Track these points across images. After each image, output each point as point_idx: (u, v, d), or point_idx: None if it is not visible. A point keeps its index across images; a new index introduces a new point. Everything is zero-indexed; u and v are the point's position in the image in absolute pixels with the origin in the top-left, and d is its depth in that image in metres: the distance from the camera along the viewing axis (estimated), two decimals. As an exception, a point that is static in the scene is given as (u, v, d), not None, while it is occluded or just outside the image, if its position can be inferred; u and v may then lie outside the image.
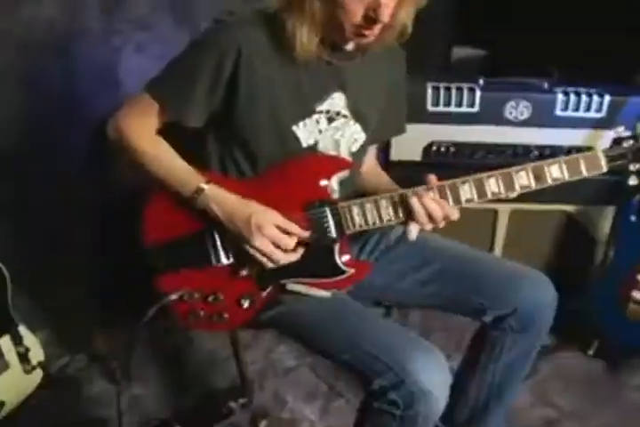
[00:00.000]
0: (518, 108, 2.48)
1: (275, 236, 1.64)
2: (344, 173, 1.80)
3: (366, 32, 1.60)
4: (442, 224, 1.68)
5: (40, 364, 2.17)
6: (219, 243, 1.73)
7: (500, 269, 1.85)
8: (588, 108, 2.48)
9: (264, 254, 1.65)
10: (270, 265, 1.67)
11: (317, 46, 1.63)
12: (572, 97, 2.47)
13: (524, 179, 1.69)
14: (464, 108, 2.49)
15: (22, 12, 2.26)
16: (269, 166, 1.74)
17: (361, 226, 1.72)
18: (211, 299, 1.74)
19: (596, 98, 2.47)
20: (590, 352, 2.57)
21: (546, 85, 2.53)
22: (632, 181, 1.75)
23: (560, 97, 2.48)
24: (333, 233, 1.71)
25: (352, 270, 1.73)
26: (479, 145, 2.53)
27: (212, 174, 1.75)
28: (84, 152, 2.37)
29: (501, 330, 1.84)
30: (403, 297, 1.92)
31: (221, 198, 1.67)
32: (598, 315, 2.51)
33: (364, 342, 1.61)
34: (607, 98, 2.47)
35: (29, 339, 2.16)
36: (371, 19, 1.56)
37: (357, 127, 1.80)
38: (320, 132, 1.74)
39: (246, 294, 1.74)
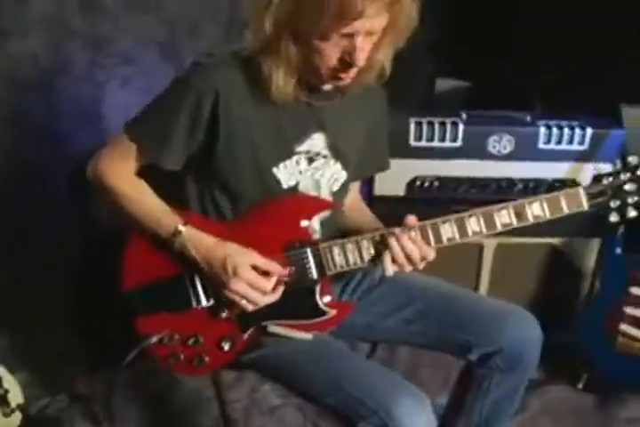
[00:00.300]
0: (501, 142, 2.48)
1: (250, 278, 1.62)
2: (325, 214, 1.79)
3: (342, 75, 1.59)
4: (421, 266, 1.67)
5: (19, 406, 2.13)
6: (199, 285, 1.71)
7: (484, 307, 1.84)
8: (570, 141, 2.49)
9: (242, 297, 1.63)
10: (250, 308, 1.65)
11: (294, 88, 1.62)
12: (555, 130, 2.48)
13: (505, 217, 1.69)
14: (447, 143, 2.49)
15: (8, 46, 2.27)
16: (250, 207, 1.72)
17: (342, 267, 1.70)
18: (191, 342, 1.72)
19: (578, 131, 2.48)
20: (579, 386, 2.55)
21: (528, 119, 2.55)
22: (613, 218, 1.74)
23: (542, 130, 2.49)
24: (314, 274, 1.69)
25: (334, 311, 1.72)
26: (463, 179, 2.53)
27: (191, 215, 1.73)
28: (66, 188, 2.35)
29: (488, 368, 1.81)
30: (387, 336, 1.91)
31: (198, 240, 1.65)
32: (586, 348, 2.50)
33: (348, 384, 1.59)
34: (589, 130, 2.48)
35: (8, 380, 2.12)
36: (346, 62, 1.55)
37: (338, 166, 1.79)
38: (300, 172, 1.74)
39: (227, 336, 1.72)
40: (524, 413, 2.43)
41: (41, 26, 2.34)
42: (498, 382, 1.82)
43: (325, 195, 1.79)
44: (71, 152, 2.34)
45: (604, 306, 2.43)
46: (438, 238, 1.68)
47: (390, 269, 1.65)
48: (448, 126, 2.47)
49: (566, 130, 2.48)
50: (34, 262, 2.43)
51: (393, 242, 1.63)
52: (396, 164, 2.44)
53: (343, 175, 1.81)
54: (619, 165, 1.72)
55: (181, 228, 1.65)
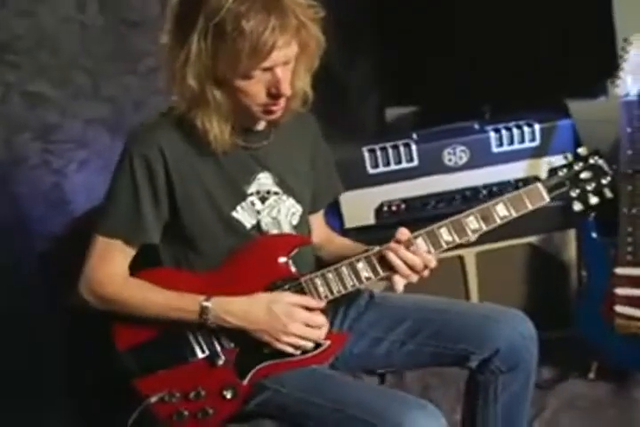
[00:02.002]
0: (456, 154, 2.53)
1: (304, 317, 1.67)
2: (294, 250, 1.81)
3: (274, 108, 1.65)
4: (426, 273, 1.71)
5: None
6: (191, 338, 1.73)
7: (472, 312, 1.86)
8: (522, 140, 2.53)
9: (302, 337, 1.67)
10: (310, 345, 1.69)
11: (231, 135, 1.67)
12: (504, 132, 2.53)
13: (473, 223, 1.74)
14: (404, 164, 2.53)
15: None
16: (223, 259, 1.75)
17: (327, 296, 1.73)
18: (192, 396, 1.72)
19: (526, 128, 2.53)
20: (591, 375, 2.54)
21: (476, 126, 2.59)
22: (577, 207, 1.80)
23: (492, 134, 2.53)
24: (299, 309, 1.72)
25: (328, 342, 1.73)
26: (428, 196, 2.57)
27: (163, 271, 1.78)
28: (39, 279, 2.34)
29: (490, 373, 1.83)
30: (386, 361, 1.91)
31: (228, 306, 1.67)
32: (589, 337, 2.50)
33: (358, 411, 1.59)
34: (537, 126, 2.53)
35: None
36: (274, 95, 1.61)
37: (291, 201, 1.83)
38: (258, 212, 1.77)
39: (227, 384, 1.72)
40: (543, 413, 2.43)
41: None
42: (503, 384, 1.84)
43: (287, 230, 1.82)
44: (40, 241, 2.34)
45: (596, 292, 2.45)
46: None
47: (400, 285, 1.69)
48: (401, 148, 2.51)
49: (515, 130, 2.53)
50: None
51: (393, 257, 1.68)
52: (359, 194, 2.52)
53: (299, 208, 1.85)
54: (570, 156, 1.79)
55: (206, 304, 1.66)
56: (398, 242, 1.70)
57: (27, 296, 2.31)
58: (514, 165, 2.55)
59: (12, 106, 2.47)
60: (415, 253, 1.68)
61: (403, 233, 1.71)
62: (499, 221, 1.74)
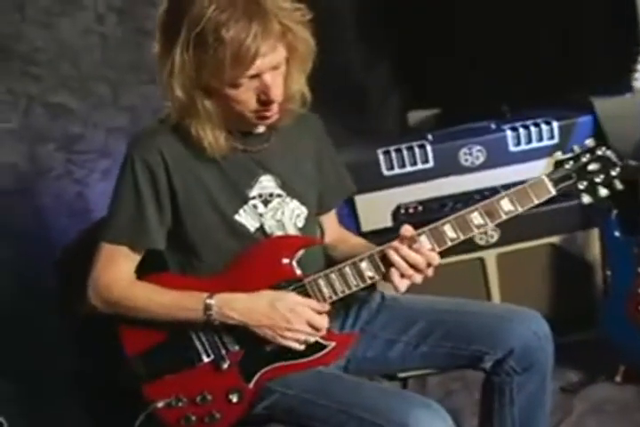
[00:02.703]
0: (472, 154, 2.49)
1: (308, 315, 1.66)
2: (300, 252, 1.79)
3: (267, 113, 1.63)
4: (430, 272, 1.67)
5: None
6: (196, 342, 1.73)
7: (485, 312, 1.83)
8: (540, 138, 2.49)
9: (305, 334, 1.66)
10: (312, 340, 1.67)
11: (227, 140, 1.66)
12: (522, 130, 2.48)
13: (478, 219, 1.70)
14: (420, 166, 2.50)
15: None
16: (229, 263, 1.74)
17: (331, 297, 1.71)
18: (199, 400, 1.72)
19: (544, 126, 2.48)
20: (618, 379, 2.47)
21: (493, 126, 2.55)
22: (585, 199, 1.75)
23: (509, 133, 2.49)
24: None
25: (333, 344, 1.71)
26: (445, 198, 2.53)
27: (166, 275, 1.77)
28: (59, 290, 2.36)
29: (505, 374, 1.79)
30: (400, 364, 1.88)
31: (232, 303, 1.67)
32: (614, 338, 2.43)
33: (363, 412, 1.57)
34: (555, 124, 2.48)
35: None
36: (265, 101, 1.59)
37: (296, 202, 1.81)
38: (261, 215, 1.76)
39: (233, 388, 1.71)
40: (570, 417, 2.37)
41: (13, 137, 2.42)
42: (519, 386, 1.80)
43: (292, 233, 1.80)
44: (61, 251, 2.36)
45: (621, 292, 2.38)
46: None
47: (401, 285, 1.66)
48: (416, 150, 2.48)
49: (532, 128, 2.48)
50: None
51: (394, 256, 1.65)
52: (375, 196, 2.50)
53: (304, 210, 1.82)
54: (577, 149, 1.74)
55: (210, 301, 1.66)
56: (402, 240, 1.67)
57: (45, 304, 2.33)
58: (532, 164, 2.50)
59: (35, 118, 2.53)
60: (418, 251, 1.65)
61: (407, 230, 1.68)
62: (504, 217, 1.70)
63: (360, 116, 3.26)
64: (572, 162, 1.72)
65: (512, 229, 2.48)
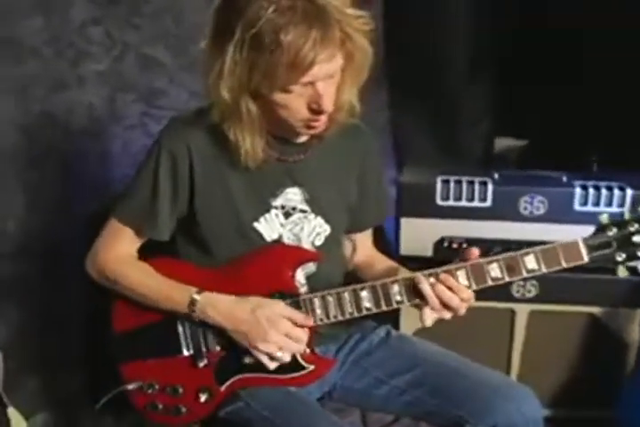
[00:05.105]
0: (533, 203, 2.38)
1: (287, 328, 1.60)
2: (311, 267, 1.74)
3: (315, 124, 1.57)
4: (463, 311, 1.59)
5: (25, 448, 2.13)
6: (181, 334, 1.70)
7: (481, 380, 1.71)
8: (609, 203, 2.36)
9: (280, 348, 1.60)
10: (287, 358, 1.62)
11: (264, 149, 1.61)
12: (592, 191, 2.36)
13: (495, 271, 1.59)
14: (475, 203, 2.41)
15: (65, 96, 2.36)
16: (233, 259, 1.71)
17: (322, 320, 1.65)
18: (169, 390, 1.70)
19: (617, 192, 2.35)
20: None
21: (564, 179, 2.43)
22: (621, 273, 1.61)
23: (578, 191, 2.37)
24: (292, 326, 1.65)
25: (311, 367, 1.66)
26: (494, 241, 2.42)
27: (162, 260, 1.74)
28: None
29: None
30: (380, 405, 1.82)
31: (216, 303, 1.63)
32: (634, 422, 2.28)
33: None
34: (630, 191, 2.35)
35: (19, 423, 2.11)
36: (315, 110, 1.53)
37: (319, 220, 1.75)
38: (282, 225, 1.71)
39: (204, 387, 1.68)
40: None
41: (98, 79, 2.45)
42: None
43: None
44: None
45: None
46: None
47: (429, 320, 1.59)
48: (477, 186, 2.40)
49: (604, 191, 2.36)
50: (59, 303, 2.46)
51: (428, 290, 1.57)
52: (422, 223, 2.42)
53: (327, 229, 1.76)
54: (627, 214, 1.60)
55: (196, 296, 1.63)
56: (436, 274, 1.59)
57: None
58: (593, 229, 2.36)
59: (125, 65, 2.55)
60: (452, 288, 1.57)
61: (474, 253, 1.59)
62: (524, 274, 1.58)
63: (450, 131, 3.16)
64: (615, 229, 1.58)
65: (553, 289, 2.38)
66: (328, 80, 1.51)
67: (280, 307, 1.62)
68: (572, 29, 2.98)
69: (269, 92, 1.50)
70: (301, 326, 1.62)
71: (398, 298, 1.62)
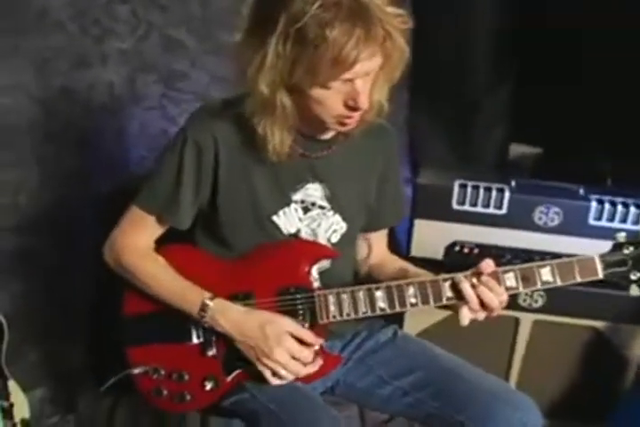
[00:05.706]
0: (549, 214, 2.38)
1: (293, 348, 1.60)
2: (324, 264, 1.74)
3: (348, 120, 1.57)
4: (497, 313, 1.61)
5: (23, 421, 2.12)
6: (192, 322, 1.69)
7: (484, 386, 1.71)
8: (623, 220, 2.36)
9: (283, 367, 1.60)
10: (290, 378, 1.62)
11: (290, 145, 1.61)
12: (607, 206, 2.36)
13: (511, 280, 1.60)
14: (491, 210, 2.41)
15: (87, 74, 2.36)
16: (250, 251, 1.71)
17: (335, 317, 1.65)
18: (175, 377, 1.70)
19: (633, 209, 2.35)
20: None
21: (581, 191, 2.43)
22: (634, 292, 1.61)
23: (594, 205, 2.37)
24: (305, 322, 1.65)
25: (320, 362, 1.65)
26: (505, 249, 2.42)
27: (187, 248, 1.76)
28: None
29: None
30: (381, 405, 1.82)
31: (227, 311, 1.64)
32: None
33: None
34: (645, 209, 2.34)
35: (17, 395, 2.12)
36: (351, 107, 1.52)
37: (337, 218, 1.75)
38: (300, 220, 1.72)
39: (211, 375, 1.68)
40: None
41: (121, 58, 2.44)
42: None
43: None
44: (135, 180, 2.39)
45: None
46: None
47: (466, 319, 1.60)
48: (494, 193, 2.40)
49: (620, 207, 2.35)
50: (64, 279, 2.46)
51: (468, 290, 1.58)
52: (436, 226, 2.41)
53: (343, 227, 1.77)
54: None
55: (208, 302, 1.64)
56: (479, 274, 1.59)
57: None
58: (606, 244, 2.35)
59: (148, 45, 2.53)
60: (492, 289, 1.58)
61: (490, 265, 1.59)
62: (539, 286, 1.60)
63: (466, 134, 3.15)
64: (632, 247, 1.59)
65: (560, 301, 2.38)
66: (365, 77, 1.51)
67: (291, 326, 1.62)
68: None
69: (309, 87, 1.49)
70: (308, 345, 1.62)
71: (413, 300, 1.63)
